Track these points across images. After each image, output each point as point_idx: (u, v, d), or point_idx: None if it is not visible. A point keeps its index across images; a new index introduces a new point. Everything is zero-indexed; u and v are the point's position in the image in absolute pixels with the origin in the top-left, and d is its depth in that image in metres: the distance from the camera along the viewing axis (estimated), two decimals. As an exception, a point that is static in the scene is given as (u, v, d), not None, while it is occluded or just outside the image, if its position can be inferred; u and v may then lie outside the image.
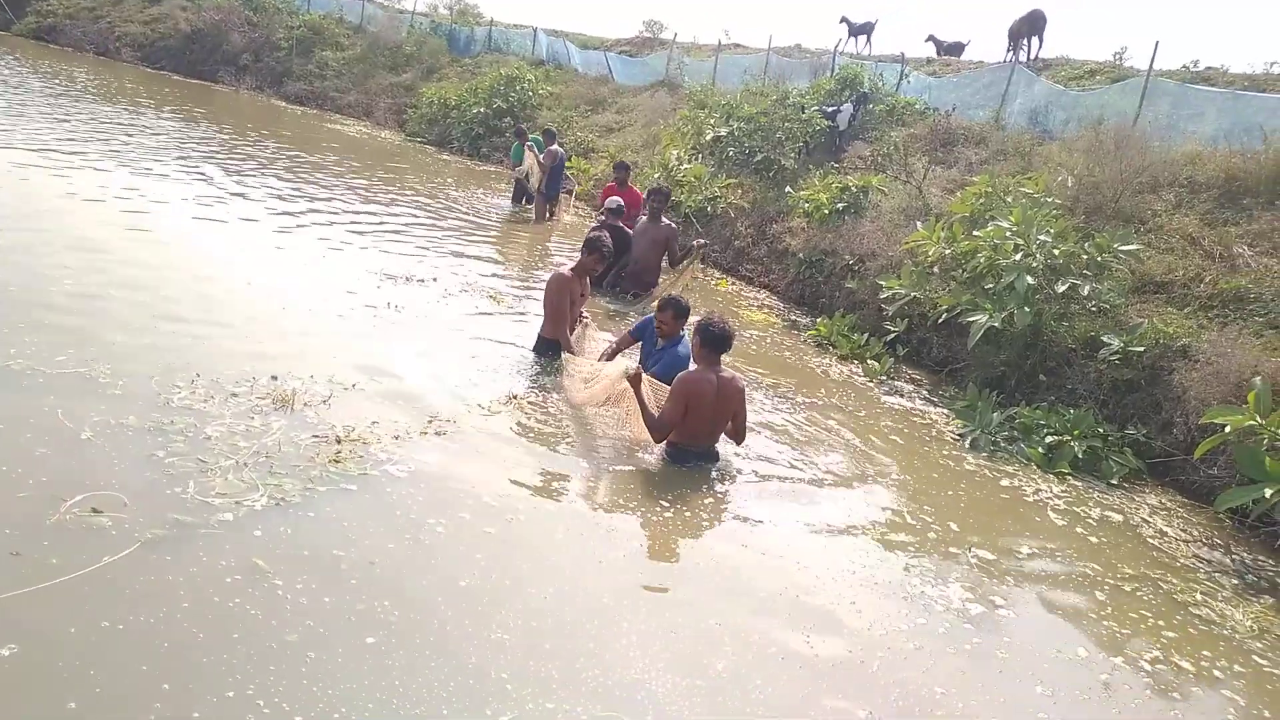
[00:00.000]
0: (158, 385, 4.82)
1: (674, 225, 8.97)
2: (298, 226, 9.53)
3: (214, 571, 3.40)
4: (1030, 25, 14.85)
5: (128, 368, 4.99)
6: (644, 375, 5.31)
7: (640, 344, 6.16)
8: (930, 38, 18.52)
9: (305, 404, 4.90)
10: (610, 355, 6.08)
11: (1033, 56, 14.87)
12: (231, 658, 2.99)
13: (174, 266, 7.26)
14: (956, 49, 18.05)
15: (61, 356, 4.96)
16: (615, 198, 9.62)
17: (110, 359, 5.06)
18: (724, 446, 5.44)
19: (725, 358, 5.22)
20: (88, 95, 17.07)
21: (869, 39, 19.50)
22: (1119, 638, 4.19)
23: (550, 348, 6.40)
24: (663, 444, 5.22)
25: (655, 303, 6.21)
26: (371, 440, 4.65)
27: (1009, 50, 15.08)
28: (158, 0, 27.33)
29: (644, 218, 9.00)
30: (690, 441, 5.17)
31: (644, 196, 9.55)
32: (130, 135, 13.40)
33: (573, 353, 6.20)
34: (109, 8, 27.49)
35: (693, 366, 5.36)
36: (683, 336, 5.80)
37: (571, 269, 6.44)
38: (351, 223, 10.24)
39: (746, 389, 5.40)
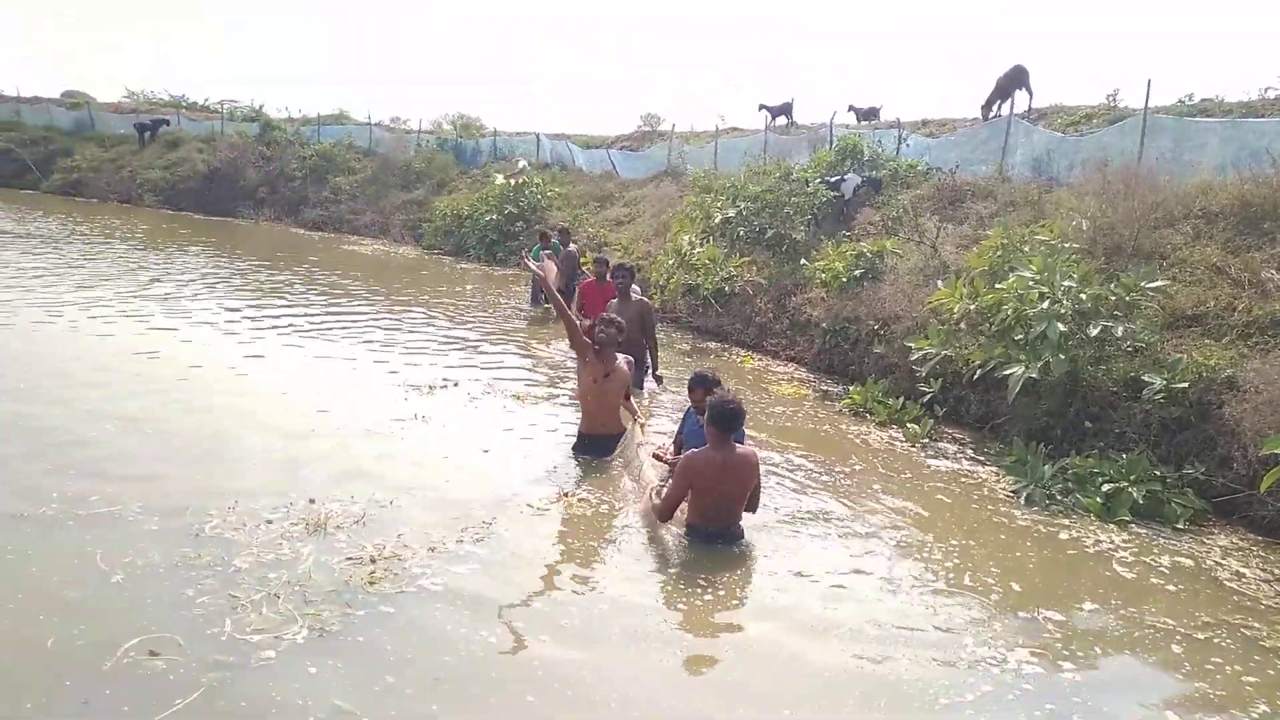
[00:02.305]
0: (191, 517, 4.85)
1: (646, 300, 8.93)
2: (325, 346, 9.68)
3: (285, 712, 3.34)
4: (1015, 80, 15.09)
5: (160, 501, 5.03)
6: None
7: (685, 437, 6.12)
8: (850, 107, 20.04)
9: (338, 526, 4.89)
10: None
11: (1026, 109, 15.07)
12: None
13: (202, 392, 7.42)
14: (873, 114, 19.50)
15: (95, 496, 5.03)
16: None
17: (144, 493, 5.13)
18: (778, 511, 5.38)
19: (759, 434, 5.14)
20: (118, 239, 17.67)
21: (789, 117, 20.73)
22: (1205, 694, 3.98)
23: (585, 444, 6.42)
24: (677, 527, 5.17)
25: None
26: (406, 556, 4.61)
27: (998, 104, 15.31)
28: (175, 145, 28.52)
29: (614, 300, 8.82)
30: (703, 521, 5.08)
31: (610, 276, 9.27)
32: (159, 271, 13.79)
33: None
34: (129, 157, 28.69)
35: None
36: None
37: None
38: (375, 336, 10.42)
39: (783, 465, 5.31)
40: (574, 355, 6.82)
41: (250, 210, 24.66)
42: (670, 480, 5.31)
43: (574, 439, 6.58)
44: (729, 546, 5.11)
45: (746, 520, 5.31)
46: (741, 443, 5.35)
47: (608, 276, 9.22)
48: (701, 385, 5.81)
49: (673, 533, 5.21)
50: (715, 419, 4.97)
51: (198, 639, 3.73)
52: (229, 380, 8.03)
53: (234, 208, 25.02)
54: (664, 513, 5.12)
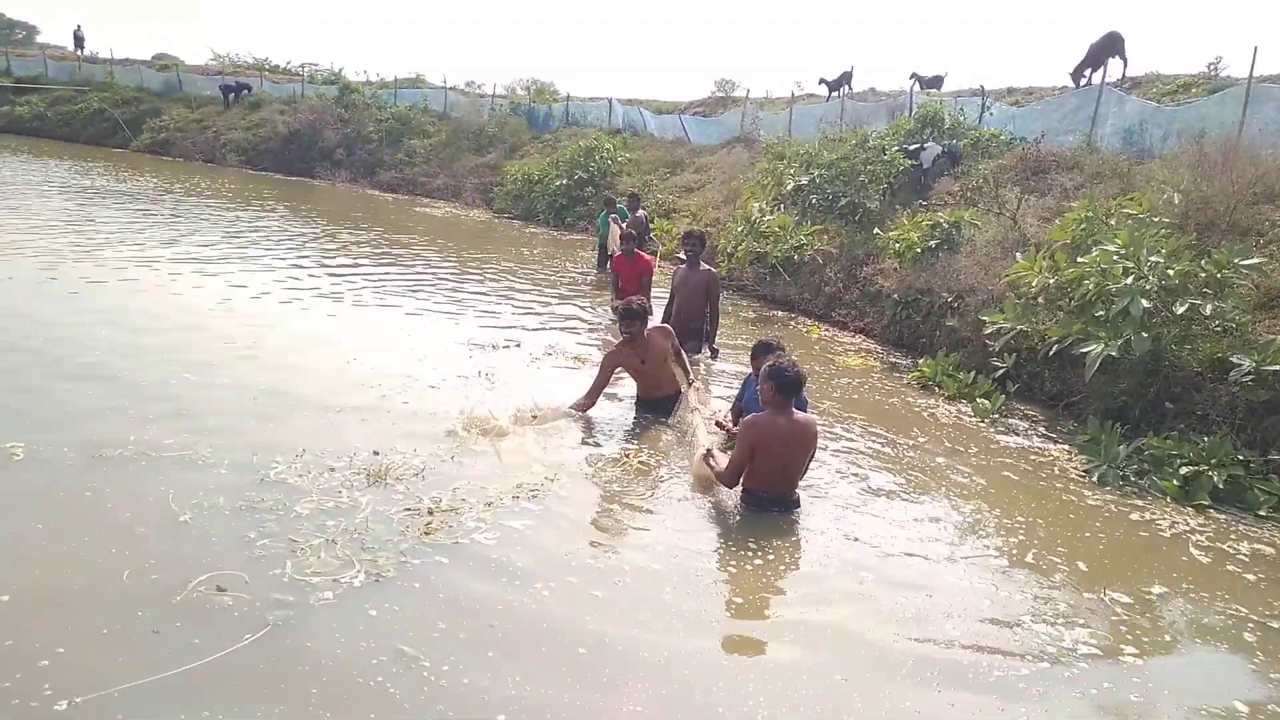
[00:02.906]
0: (258, 464, 5.01)
1: (712, 269, 8.77)
2: (394, 304, 9.86)
3: (350, 651, 3.44)
4: (1108, 47, 14.39)
5: (230, 448, 5.21)
6: (715, 449, 5.43)
7: (742, 403, 6.10)
8: (913, 75, 19.51)
9: (397, 478, 4.98)
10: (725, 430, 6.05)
11: (1118, 78, 14.40)
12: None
13: (278, 348, 7.65)
14: (937, 82, 18.94)
15: (170, 440, 5.24)
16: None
17: (215, 441, 5.31)
18: (838, 483, 5.36)
19: (822, 404, 5.04)
20: (209, 197, 18.25)
21: (849, 90, 20.35)
22: (1277, 685, 3.82)
23: (643, 405, 6.52)
24: (735, 492, 5.15)
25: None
26: (463, 509, 4.67)
27: (1089, 72, 14.64)
28: (257, 107, 29.23)
29: (683, 266, 8.78)
30: (762, 486, 5.04)
31: (681, 241, 9.25)
32: (242, 231, 14.21)
33: (579, 404, 6.38)
34: (214, 118, 29.52)
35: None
36: None
37: (619, 344, 6.55)
38: (441, 296, 10.57)
39: (845, 435, 5.22)
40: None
41: (328, 171, 25.16)
42: (729, 446, 5.28)
43: (634, 399, 6.65)
44: (785, 514, 5.06)
45: (806, 490, 5.26)
46: (804, 410, 5.31)
47: (681, 251, 9.16)
48: (765, 353, 5.76)
49: (729, 498, 5.18)
50: (780, 385, 4.91)
51: (261, 578, 3.86)
52: (301, 337, 8.23)
53: (312, 168, 25.55)
54: (730, 478, 5.07)
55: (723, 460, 5.22)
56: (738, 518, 5.02)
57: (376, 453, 5.29)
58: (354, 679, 3.28)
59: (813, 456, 5.17)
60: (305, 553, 4.07)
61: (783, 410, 4.95)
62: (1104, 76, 13.94)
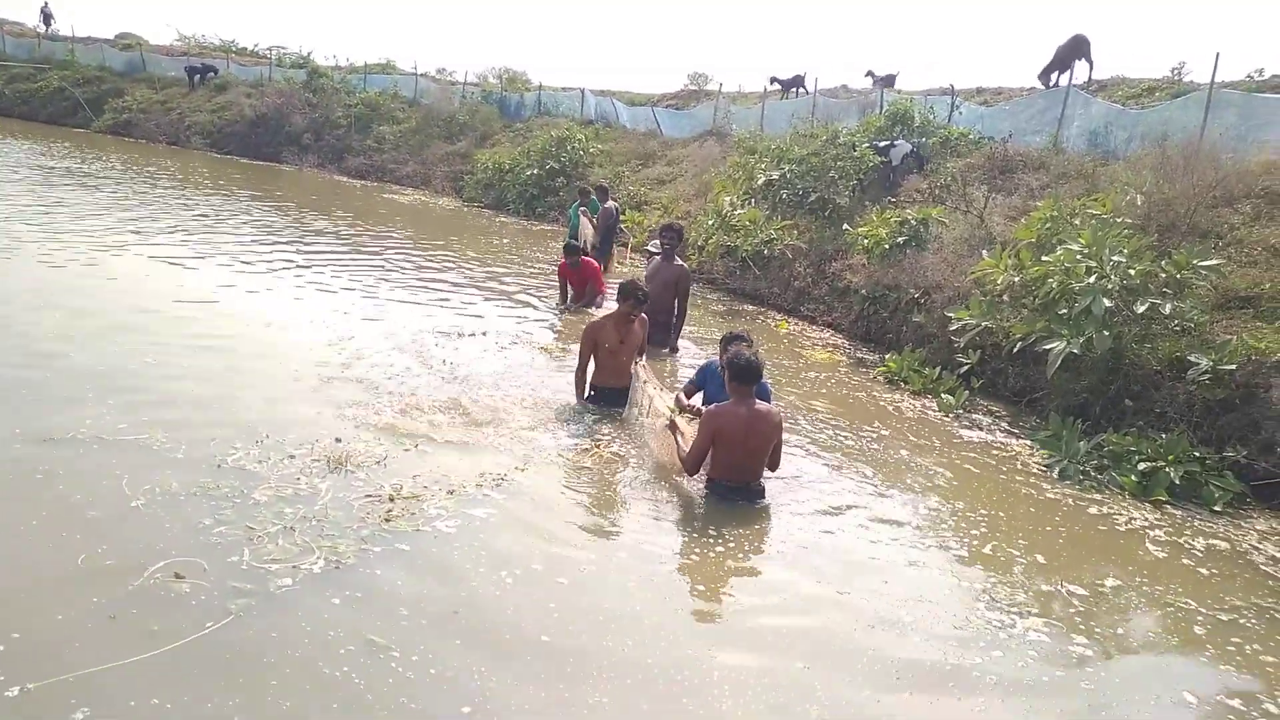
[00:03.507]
0: (215, 449, 4.93)
1: (685, 266, 8.81)
2: (358, 291, 9.74)
3: (314, 640, 3.40)
4: (1074, 50, 14.59)
5: (186, 433, 5.12)
6: (679, 420, 5.42)
7: (703, 391, 6.09)
8: (868, 72, 19.97)
9: (358, 465, 4.93)
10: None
11: (1084, 80, 14.60)
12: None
13: (241, 334, 7.54)
14: (890, 81, 19.11)
15: (124, 425, 5.14)
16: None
17: (171, 424, 5.22)
18: (801, 475, 5.41)
19: (788, 396, 5.09)
20: (176, 183, 17.90)
21: (800, 91, 20.17)
22: (1225, 675, 3.90)
23: (597, 396, 6.52)
24: (701, 481, 5.18)
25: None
26: (425, 497, 4.63)
27: (1056, 74, 14.83)
28: (223, 89, 28.72)
29: (657, 258, 8.84)
30: (726, 475, 5.08)
31: (659, 234, 9.33)
32: (205, 215, 13.97)
33: (580, 392, 6.44)
34: (179, 100, 28.96)
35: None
36: None
37: (606, 316, 6.59)
38: (407, 283, 10.47)
39: (810, 427, 5.26)
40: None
41: (295, 156, 24.78)
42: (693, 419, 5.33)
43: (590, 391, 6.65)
44: (750, 503, 5.09)
45: (770, 481, 5.29)
46: (767, 401, 5.34)
47: (654, 244, 9.20)
48: (735, 343, 5.76)
49: (693, 486, 5.19)
50: (735, 372, 5.02)
51: (219, 566, 3.79)
52: (264, 323, 8.11)
53: (279, 153, 25.16)
54: (690, 465, 5.11)
55: (688, 432, 5.24)
56: (703, 507, 5.03)
57: (339, 440, 5.24)
58: (318, 668, 3.24)
59: (778, 446, 5.20)
60: (263, 540, 4.01)
61: (744, 399, 5.01)
62: (1070, 79, 14.12)
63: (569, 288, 9.95)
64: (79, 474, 4.51)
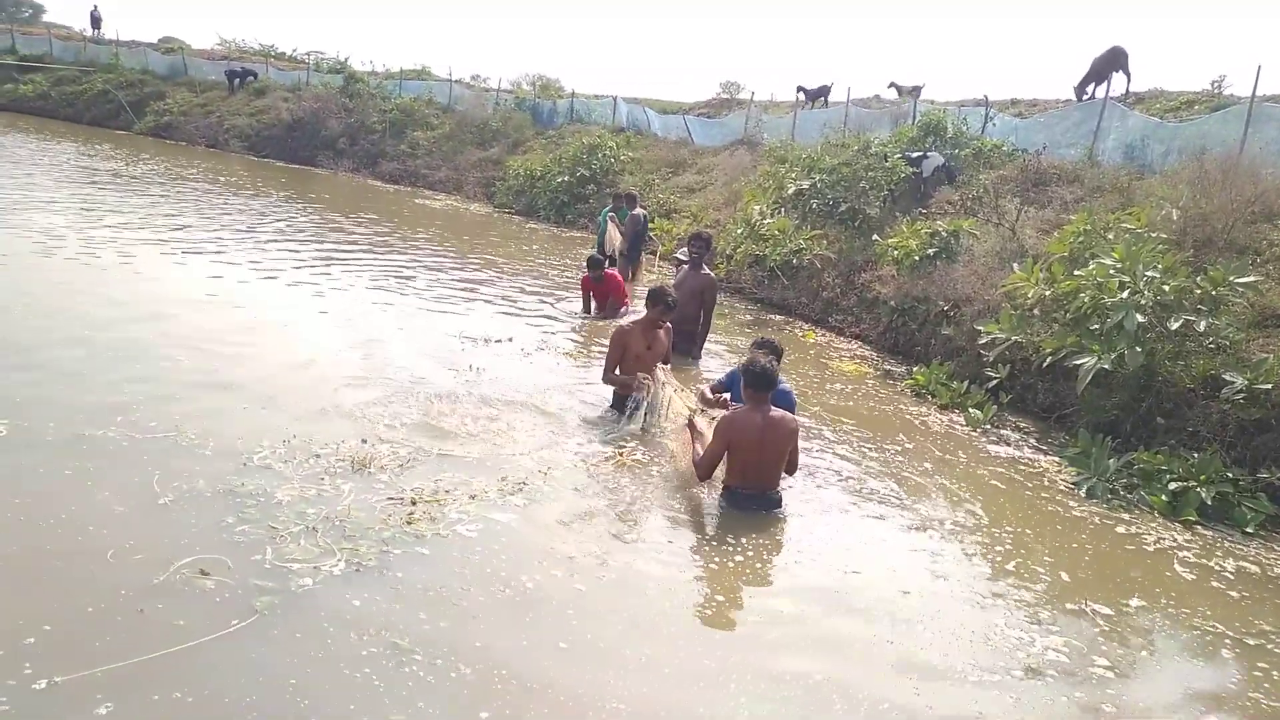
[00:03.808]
0: (242, 448, 5.00)
1: (712, 275, 8.81)
2: (387, 294, 9.84)
3: (338, 641, 3.43)
4: (1112, 62, 14.43)
5: (216, 431, 5.21)
6: (698, 420, 5.42)
7: (729, 395, 6.09)
8: (892, 84, 19.60)
9: (381, 467, 4.97)
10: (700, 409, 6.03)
11: (1121, 93, 14.42)
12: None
13: (271, 335, 7.65)
14: (916, 92, 18.84)
15: (154, 422, 5.22)
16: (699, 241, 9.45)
17: (202, 423, 5.30)
18: (824, 485, 5.37)
19: (812, 407, 5.12)
20: (220, 184, 18.23)
21: (825, 101, 20.19)
22: (1250, 701, 3.82)
23: (622, 403, 6.46)
24: (718, 490, 5.18)
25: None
26: (447, 501, 4.67)
27: (1093, 86, 14.66)
28: (262, 93, 29.18)
29: (685, 267, 8.87)
30: (741, 483, 5.08)
31: (687, 242, 9.38)
32: (244, 217, 14.19)
33: (623, 388, 6.34)
34: (218, 103, 29.45)
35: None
36: (781, 379, 5.80)
37: (633, 324, 6.57)
38: (437, 289, 10.56)
39: (835, 439, 5.25)
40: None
41: (330, 160, 25.10)
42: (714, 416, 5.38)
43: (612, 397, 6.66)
44: (767, 512, 5.08)
45: (790, 491, 5.27)
46: (791, 409, 5.35)
47: (683, 252, 9.19)
48: (770, 349, 5.86)
49: (712, 495, 5.19)
50: (750, 380, 5.07)
51: (242, 564, 3.85)
52: (296, 325, 8.21)
53: (314, 157, 25.50)
54: (703, 471, 5.12)
55: (706, 434, 5.26)
56: (721, 516, 5.02)
57: (364, 441, 5.30)
58: (338, 669, 3.27)
59: (794, 452, 5.21)
60: (285, 540, 4.07)
61: (758, 406, 5.04)
62: (1108, 91, 13.95)
63: (591, 300, 9.98)
64: (108, 470, 4.60)
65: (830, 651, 3.83)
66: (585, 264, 10.04)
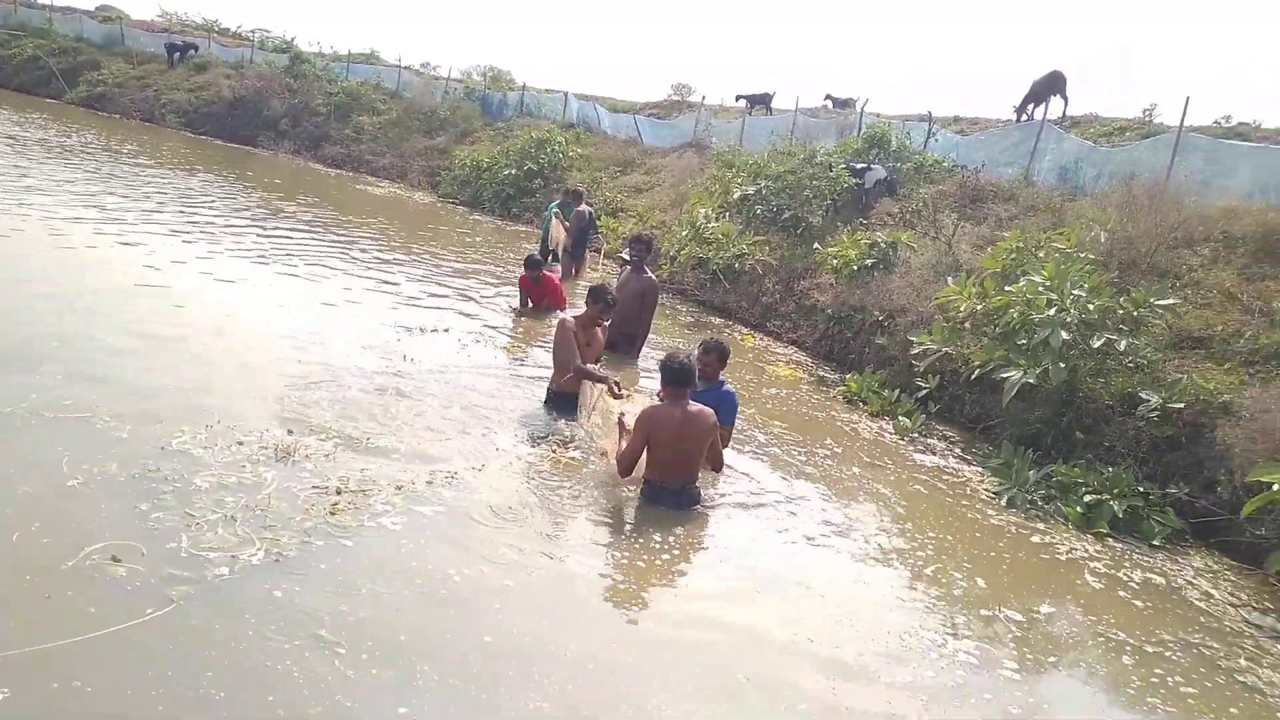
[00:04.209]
0: (161, 431, 4.85)
1: (654, 279, 8.87)
2: (324, 280, 9.66)
3: (258, 633, 3.36)
4: (1051, 85, 14.93)
5: (133, 414, 5.03)
6: (627, 416, 5.48)
7: None
8: (827, 95, 20.46)
9: (306, 456, 4.87)
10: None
11: (1058, 115, 14.89)
12: None
13: (200, 318, 7.41)
14: (848, 104, 19.53)
15: (69, 401, 5.03)
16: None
17: (119, 404, 5.12)
18: (752, 486, 5.48)
19: (747, 410, 5.20)
20: (150, 160, 17.65)
21: (767, 108, 20.62)
22: (1145, 704, 3.99)
23: (557, 400, 6.45)
24: (640, 485, 5.24)
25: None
26: (373, 492, 4.59)
27: (1032, 107, 15.13)
28: (203, 69, 28.37)
29: (627, 268, 8.91)
30: (661, 476, 5.13)
31: (629, 244, 9.45)
32: (176, 195, 13.78)
33: (587, 377, 6.25)
34: (156, 77, 28.54)
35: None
36: (724, 381, 6.00)
37: (576, 320, 6.55)
38: (374, 276, 10.38)
39: (766, 442, 5.31)
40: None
41: (271, 141, 24.51)
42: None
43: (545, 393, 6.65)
44: (688, 508, 5.15)
45: (717, 491, 5.33)
46: (734, 408, 5.52)
47: (629, 252, 9.19)
48: (716, 353, 5.97)
49: (633, 490, 5.25)
50: (667, 376, 5.18)
51: (156, 551, 3.74)
52: (226, 310, 7.97)
53: (255, 137, 24.86)
54: (624, 466, 5.21)
55: (627, 414, 5.38)
56: (649, 514, 5.05)
57: (290, 431, 5.18)
58: (261, 662, 3.20)
59: (715, 446, 5.32)
60: (202, 528, 3.96)
61: (678, 401, 5.13)
62: (1045, 113, 14.38)
63: (528, 301, 9.89)
64: (16, 449, 4.43)
65: (751, 650, 3.89)
66: (524, 263, 9.94)
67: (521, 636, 3.66)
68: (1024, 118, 15.14)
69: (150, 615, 3.32)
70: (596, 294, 6.60)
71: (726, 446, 6.08)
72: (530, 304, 9.90)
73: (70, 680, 2.94)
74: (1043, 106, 14.74)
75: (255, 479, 4.51)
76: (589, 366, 6.30)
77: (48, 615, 3.24)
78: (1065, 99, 14.92)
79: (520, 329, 9.12)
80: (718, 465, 5.44)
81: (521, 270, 9.97)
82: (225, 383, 5.91)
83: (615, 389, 5.85)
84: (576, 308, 10.66)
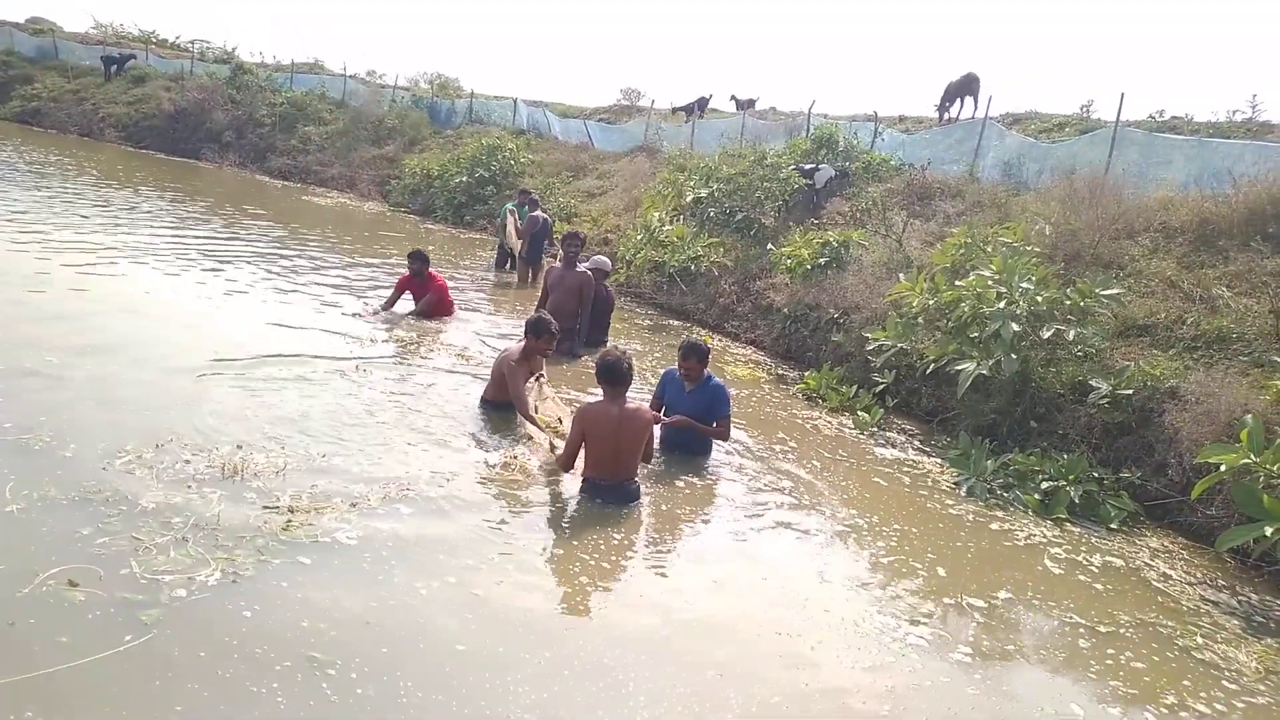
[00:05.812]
0: (103, 452, 4.70)
1: (588, 273, 8.95)
2: (271, 294, 9.46)
3: (242, 655, 3.29)
4: (964, 87, 15.74)
5: (75, 434, 4.87)
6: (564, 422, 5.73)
7: (663, 402, 6.35)
8: (732, 97, 21.71)
9: (255, 474, 4.74)
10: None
11: (970, 115, 15.52)
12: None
13: (144, 334, 7.22)
14: (750, 104, 20.76)
15: (9, 424, 4.86)
16: (602, 258, 9.71)
17: (59, 425, 4.95)
18: (717, 484, 5.50)
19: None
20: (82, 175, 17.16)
21: (701, 113, 21.25)
22: (1103, 684, 4.09)
23: (491, 408, 6.45)
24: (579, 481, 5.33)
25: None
26: (327, 509, 4.48)
27: (949, 106, 16.14)
28: (141, 81, 27.74)
29: (558, 264, 9.00)
30: (598, 473, 5.21)
31: (562, 241, 9.47)
32: (119, 209, 13.43)
33: (533, 426, 6.05)
34: (93, 90, 27.85)
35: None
36: (710, 375, 6.22)
37: (520, 353, 6.32)
38: (323, 286, 10.20)
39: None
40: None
41: (215, 154, 24.06)
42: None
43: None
44: (628, 505, 5.19)
45: (684, 489, 5.36)
46: (727, 404, 5.98)
47: (562, 248, 9.20)
48: (695, 355, 6.10)
49: (576, 489, 5.30)
50: (602, 374, 5.29)
51: (111, 576, 3.61)
52: (171, 324, 7.77)
53: (198, 150, 24.40)
54: (565, 462, 5.35)
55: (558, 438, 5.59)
56: (604, 514, 5.05)
57: (239, 447, 5.04)
58: (244, 686, 3.12)
59: (650, 442, 5.47)
60: (151, 551, 3.82)
61: (614, 399, 5.26)
62: (960, 111, 14.94)
63: (412, 297, 9.34)
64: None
65: (723, 646, 3.90)
66: (408, 257, 9.34)
67: (495, 646, 3.62)
68: (946, 117, 16.03)
69: (130, 643, 3.22)
70: (538, 327, 6.39)
71: (727, 436, 6.38)
72: (413, 302, 9.30)
73: (24, 713, 2.84)
74: (959, 105, 15.93)
75: (202, 498, 4.36)
76: (536, 418, 6.11)
77: (14, 645, 3.13)
78: (975, 100, 15.84)
79: (475, 337, 8.98)
80: (648, 458, 5.62)
81: (405, 271, 9.41)
82: (169, 399, 5.72)
83: (553, 450, 5.65)
84: (514, 317, 10.47)
